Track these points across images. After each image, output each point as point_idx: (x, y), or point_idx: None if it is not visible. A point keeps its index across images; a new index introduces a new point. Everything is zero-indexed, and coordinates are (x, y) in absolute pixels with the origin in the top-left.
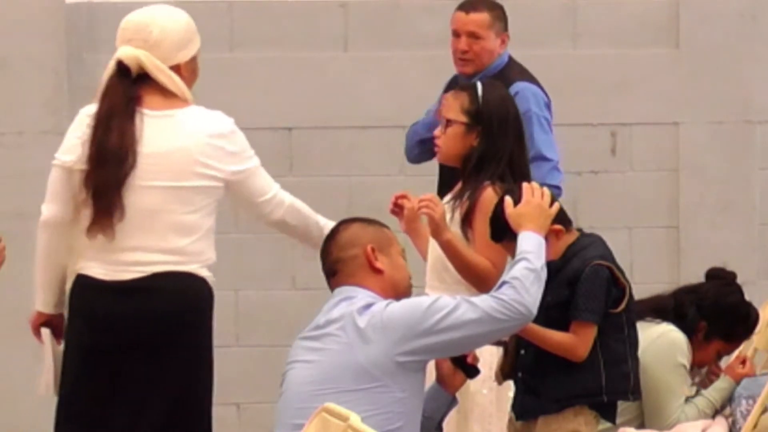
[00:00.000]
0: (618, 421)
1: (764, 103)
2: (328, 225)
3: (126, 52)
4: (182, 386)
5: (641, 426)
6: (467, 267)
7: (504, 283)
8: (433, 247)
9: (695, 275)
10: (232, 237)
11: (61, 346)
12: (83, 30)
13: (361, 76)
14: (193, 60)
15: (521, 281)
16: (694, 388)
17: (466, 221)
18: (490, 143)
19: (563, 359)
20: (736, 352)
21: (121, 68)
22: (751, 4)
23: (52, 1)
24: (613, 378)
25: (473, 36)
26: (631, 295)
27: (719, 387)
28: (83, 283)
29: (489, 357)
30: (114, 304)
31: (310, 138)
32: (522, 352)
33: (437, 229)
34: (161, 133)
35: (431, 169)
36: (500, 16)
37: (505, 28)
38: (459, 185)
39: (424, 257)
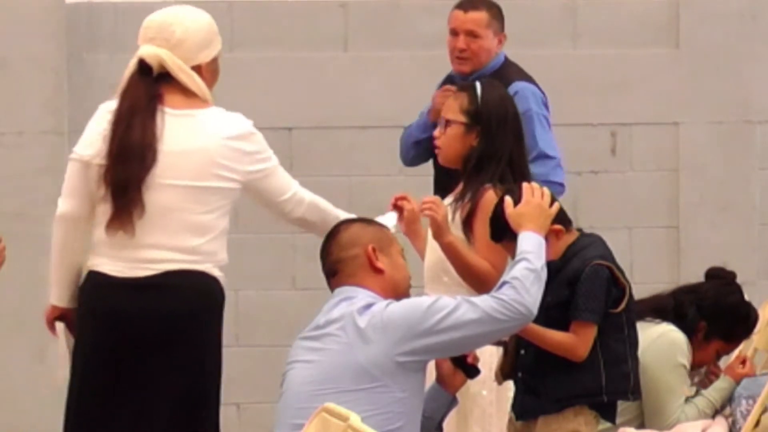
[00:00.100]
0: (618, 421)
1: (764, 103)
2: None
3: (148, 51)
4: (192, 384)
5: (641, 426)
6: (468, 269)
7: (504, 283)
8: (432, 250)
9: (695, 275)
10: (232, 237)
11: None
12: (83, 30)
13: (361, 76)
14: (214, 61)
15: (521, 281)
16: (694, 388)
17: (467, 223)
18: (489, 143)
19: (563, 359)
20: (735, 352)
21: (143, 67)
22: (751, 4)
23: (52, 1)
24: (613, 378)
25: (471, 35)
26: (631, 295)
27: (719, 387)
28: (95, 280)
29: (489, 358)
30: (127, 301)
31: (310, 138)
32: (522, 352)
33: (439, 231)
34: (182, 132)
35: (430, 169)
36: (498, 15)
37: (502, 28)
38: (460, 186)
39: (423, 258)
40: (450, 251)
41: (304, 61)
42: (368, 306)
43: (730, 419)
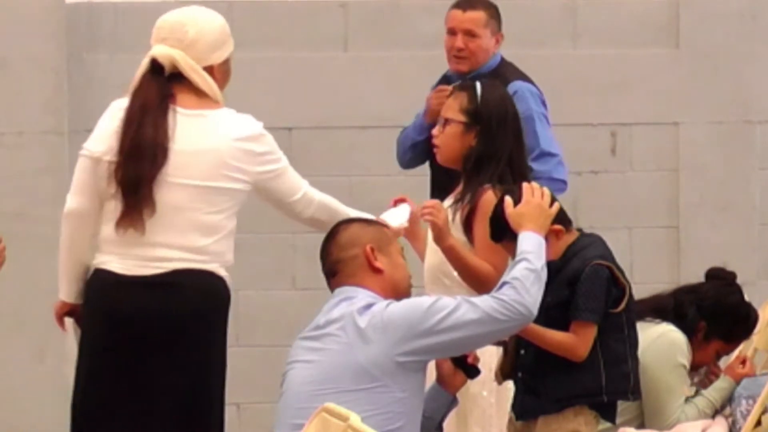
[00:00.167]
0: (618, 421)
1: (764, 103)
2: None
3: (160, 51)
4: (197, 383)
5: (641, 426)
6: (469, 271)
7: (504, 283)
8: (432, 252)
9: (695, 275)
10: None
11: None
12: (83, 30)
13: (361, 76)
14: (226, 62)
15: (521, 282)
16: (694, 388)
17: (467, 224)
18: (488, 143)
19: (563, 359)
20: (735, 352)
21: (155, 66)
22: (751, 4)
23: (52, 1)
24: (613, 378)
25: (470, 34)
26: (631, 295)
27: (719, 387)
28: (102, 277)
29: (489, 358)
30: (133, 299)
31: (310, 138)
32: (522, 352)
33: (440, 236)
34: (193, 131)
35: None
36: (495, 15)
37: (500, 28)
38: (460, 187)
39: (423, 259)
40: (451, 255)
41: (304, 61)
42: (368, 306)
43: (730, 419)
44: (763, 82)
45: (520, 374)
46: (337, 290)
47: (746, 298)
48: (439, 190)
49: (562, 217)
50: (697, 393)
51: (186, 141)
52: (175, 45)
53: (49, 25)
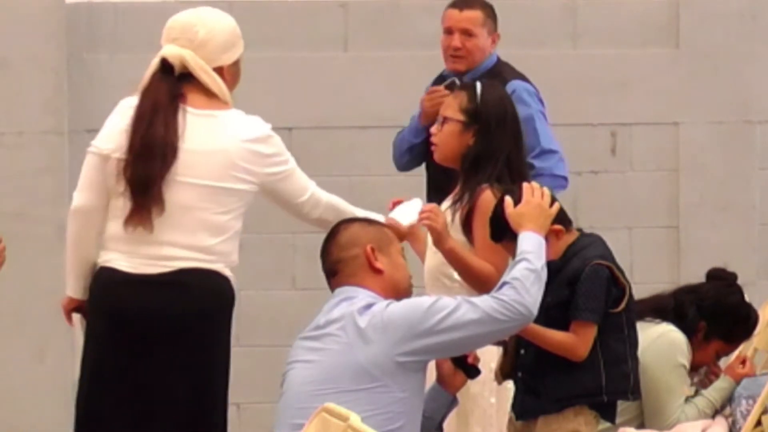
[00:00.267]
0: (618, 421)
1: (764, 103)
2: (368, 216)
3: (171, 51)
4: (200, 382)
5: (641, 426)
6: (471, 273)
7: (504, 283)
8: (432, 254)
9: (695, 275)
10: None
11: None
12: (83, 30)
13: (361, 76)
14: (236, 63)
15: (521, 282)
16: (694, 388)
17: (466, 224)
18: (486, 142)
19: (563, 359)
20: (735, 353)
21: (165, 66)
22: (751, 4)
23: (52, 1)
24: (613, 378)
25: (467, 33)
26: (631, 295)
27: (719, 387)
28: (107, 276)
29: (490, 358)
30: (139, 297)
31: (310, 138)
32: (522, 351)
33: (439, 239)
34: (202, 131)
35: None
36: (492, 14)
37: (496, 28)
38: (458, 188)
39: (423, 260)
40: (452, 257)
41: (304, 61)
42: (368, 306)
43: (730, 419)
44: (763, 82)
45: (520, 374)
46: (338, 290)
47: (746, 298)
48: (435, 192)
49: (562, 217)
50: (697, 393)
51: (195, 141)
52: (186, 45)
53: (49, 25)
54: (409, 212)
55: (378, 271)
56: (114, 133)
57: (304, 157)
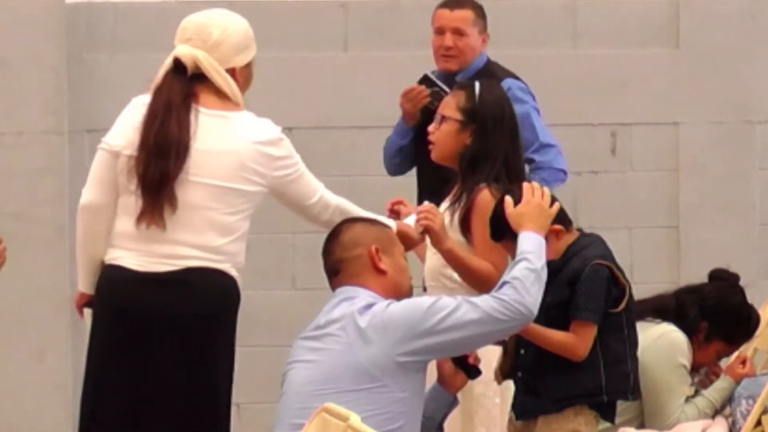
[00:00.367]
0: (618, 421)
1: (764, 103)
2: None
3: (184, 51)
4: (205, 381)
5: (641, 426)
6: (470, 273)
7: (505, 283)
8: (432, 254)
9: (695, 275)
10: None
11: None
12: (83, 30)
13: (361, 76)
14: (249, 66)
15: (522, 281)
16: (694, 388)
17: (465, 224)
18: (484, 142)
19: (563, 359)
20: (736, 353)
21: (178, 66)
22: (751, 4)
23: (52, 1)
24: (613, 378)
25: (458, 33)
26: (630, 295)
27: (719, 387)
28: (114, 273)
29: (492, 357)
30: (145, 295)
31: (310, 138)
32: (522, 351)
33: (437, 239)
34: (214, 132)
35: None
36: (482, 14)
37: (486, 27)
38: (456, 188)
39: (423, 260)
40: (450, 258)
41: (304, 61)
42: (369, 306)
43: (730, 419)
44: (763, 82)
45: (520, 374)
46: (339, 290)
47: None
48: (428, 194)
49: (562, 217)
50: (697, 393)
51: (207, 140)
52: (199, 46)
53: (49, 25)
54: (412, 219)
55: (381, 272)
56: (125, 130)
57: (304, 157)
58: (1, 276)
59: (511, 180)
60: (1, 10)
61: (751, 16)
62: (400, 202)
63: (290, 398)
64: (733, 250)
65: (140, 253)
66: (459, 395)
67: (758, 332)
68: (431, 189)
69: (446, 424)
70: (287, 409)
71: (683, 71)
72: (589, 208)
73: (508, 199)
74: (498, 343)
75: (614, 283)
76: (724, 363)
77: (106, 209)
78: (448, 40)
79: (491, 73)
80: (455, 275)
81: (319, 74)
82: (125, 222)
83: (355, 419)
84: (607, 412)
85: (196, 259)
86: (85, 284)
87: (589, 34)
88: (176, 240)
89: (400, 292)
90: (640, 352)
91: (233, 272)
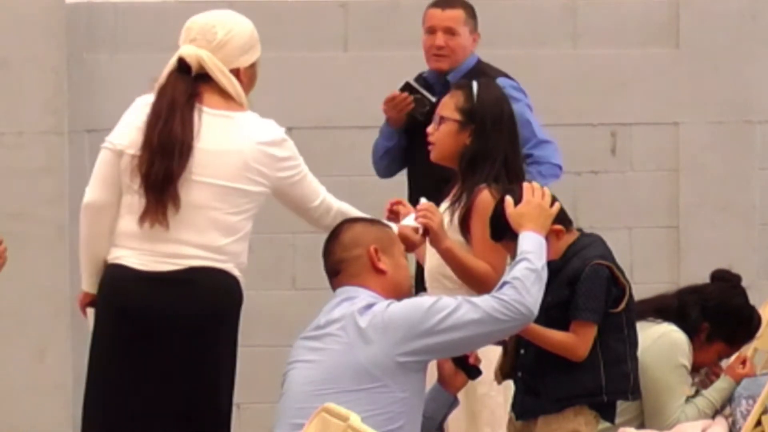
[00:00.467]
0: (618, 421)
1: (764, 103)
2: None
3: (188, 51)
4: (207, 380)
5: (641, 426)
6: (468, 272)
7: (505, 283)
8: (432, 254)
9: (695, 275)
10: None
11: None
12: (83, 30)
13: (361, 76)
14: (253, 66)
15: (522, 281)
16: (694, 389)
17: (464, 225)
18: (483, 142)
19: (563, 359)
20: (736, 353)
21: (182, 65)
22: (751, 4)
23: (52, 1)
24: (613, 378)
25: (450, 32)
26: (630, 295)
27: (719, 387)
28: (116, 272)
29: (494, 356)
30: (147, 294)
31: (310, 138)
32: (522, 351)
33: (436, 238)
34: (218, 131)
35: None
36: (472, 14)
37: (476, 27)
38: (456, 189)
39: (422, 261)
40: (448, 257)
41: (304, 61)
42: (369, 306)
43: (730, 419)
44: (763, 82)
45: (520, 374)
46: (339, 290)
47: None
48: (419, 196)
49: (562, 217)
50: (697, 393)
51: (210, 140)
52: (204, 46)
53: (49, 25)
54: (412, 217)
55: (381, 272)
56: (129, 129)
57: (304, 157)
58: (1, 276)
59: (511, 180)
60: (1, 10)
61: (751, 16)
62: (399, 203)
63: (290, 398)
64: (733, 250)
65: (143, 253)
66: (462, 396)
67: (759, 333)
68: (422, 190)
69: (450, 426)
70: (287, 409)
71: (683, 71)
72: (589, 208)
73: (509, 199)
74: (498, 343)
75: (614, 283)
76: (724, 363)
77: (109, 208)
78: (440, 39)
79: (483, 72)
80: (455, 276)
81: (319, 74)
82: (128, 221)
83: (355, 419)
84: (607, 412)
85: (198, 259)
86: (88, 284)
87: (589, 34)
88: (179, 239)
89: (400, 291)
90: (640, 352)
91: (236, 272)
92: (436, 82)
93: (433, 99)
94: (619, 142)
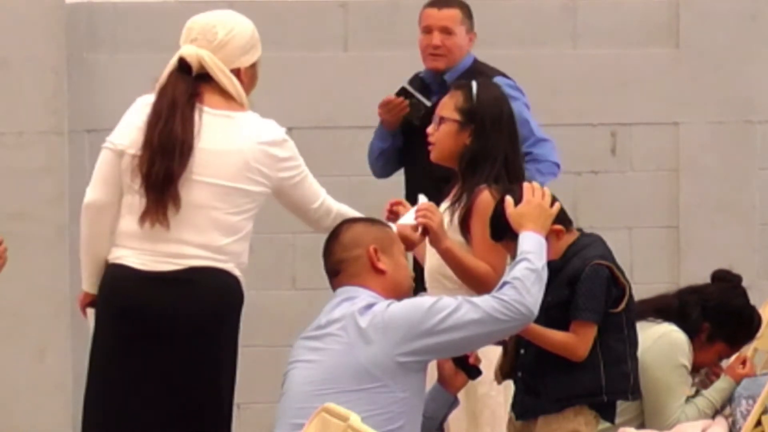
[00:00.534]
0: (618, 421)
1: (764, 103)
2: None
3: (189, 51)
4: (207, 380)
5: (641, 426)
6: (467, 273)
7: (505, 283)
8: (432, 254)
9: (695, 275)
10: None
11: None
12: (83, 30)
13: (361, 76)
14: (254, 66)
15: (522, 281)
16: (694, 389)
17: (464, 225)
18: (483, 142)
19: (563, 359)
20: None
21: (183, 65)
22: (751, 4)
23: (52, 1)
24: (613, 378)
25: (446, 31)
26: (630, 295)
27: (719, 387)
28: (117, 272)
29: (494, 356)
30: (149, 294)
31: (310, 138)
32: (522, 351)
33: (435, 238)
34: (219, 131)
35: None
36: (468, 13)
37: (472, 27)
38: (456, 189)
39: (422, 261)
40: (448, 257)
41: (304, 61)
42: (369, 306)
43: (730, 419)
44: (764, 82)
45: (520, 374)
46: (339, 290)
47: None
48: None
49: (562, 217)
50: (697, 393)
51: (211, 140)
52: (205, 46)
53: (49, 25)
54: (412, 215)
55: (380, 272)
56: (130, 129)
57: (304, 157)
58: (2, 276)
59: (511, 180)
60: (1, 10)
61: (751, 16)
62: (399, 203)
63: (290, 398)
64: (733, 251)
65: (144, 253)
66: (462, 396)
67: (759, 333)
68: (419, 190)
69: (450, 426)
70: (287, 409)
71: (683, 71)
72: (589, 208)
73: (509, 199)
74: (498, 343)
75: (614, 283)
76: (724, 363)
77: (110, 208)
78: (436, 39)
79: (479, 72)
80: (455, 276)
81: (319, 74)
82: (129, 221)
83: (355, 419)
84: (607, 412)
85: (199, 259)
86: (88, 284)
87: (589, 34)
88: (180, 239)
89: (400, 291)
90: (640, 352)
91: (237, 272)
92: (432, 82)
93: (429, 103)
94: (619, 142)
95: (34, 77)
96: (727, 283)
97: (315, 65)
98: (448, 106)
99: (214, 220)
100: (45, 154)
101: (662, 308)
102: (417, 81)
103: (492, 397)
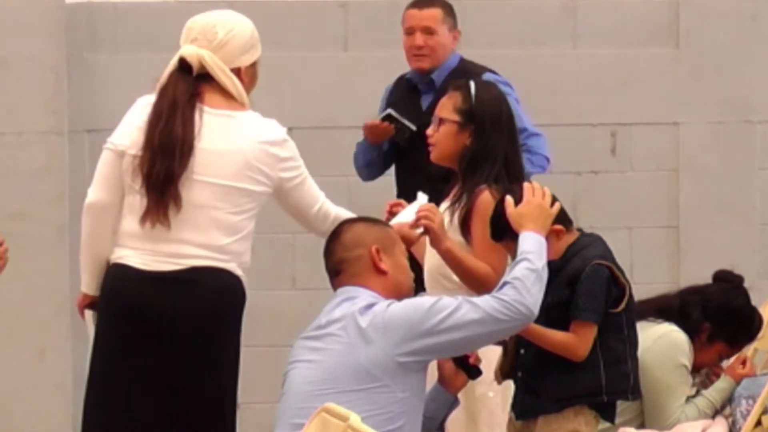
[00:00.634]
0: (618, 421)
1: (764, 103)
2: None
3: (189, 50)
4: (209, 380)
5: (641, 426)
6: (467, 273)
7: (505, 283)
8: (431, 254)
9: (695, 275)
10: None
11: None
12: (83, 30)
13: (361, 76)
14: (254, 66)
15: (522, 282)
16: (695, 389)
17: (465, 225)
18: (483, 142)
19: (563, 359)
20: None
21: (183, 65)
22: (751, 4)
23: (52, 1)
24: (613, 378)
25: (428, 31)
26: (630, 295)
27: (719, 387)
28: (119, 272)
29: (494, 356)
30: (150, 294)
31: (310, 138)
32: (522, 351)
33: (436, 239)
34: (219, 131)
35: None
36: (451, 12)
37: (455, 25)
38: (456, 189)
39: (421, 261)
40: (448, 257)
41: (304, 61)
42: (370, 306)
43: (730, 419)
44: (764, 82)
45: (520, 374)
46: (340, 290)
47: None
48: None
49: (562, 217)
50: (697, 393)
51: (212, 140)
52: (205, 45)
53: (49, 25)
54: (409, 212)
55: (382, 272)
56: (130, 129)
57: (304, 157)
58: (2, 276)
59: (511, 180)
60: (1, 10)
61: (751, 16)
62: (398, 204)
63: (291, 398)
64: (733, 251)
65: (145, 252)
66: (461, 396)
67: (760, 333)
68: (412, 188)
69: (449, 426)
70: (287, 409)
71: (683, 71)
72: (589, 208)
73: (509, 199)
74: (498, 343)
75: (614, 283)
76: (724, 363)
77: (111, 208)
78: (419, 39)
79: (467, 70)
80: (454, 276)
81: (319, 74)
82: (130, 221)
83: (355, 419)
84: (607, 412)
85: (201, 259)
86: (87, 285)
87: (589, 34)
88: (181, 239)
89: (400, 291)
90: (640, 352)
91: (238, 272)
92: (419, 82)
93: (414, 128)
94: (619, 142)
95: (34, 77)
96: (728, 283)
97: (315, 65)
98: (447, 107)
99: (215, 219)
100: (45, 154)
101: (663, 308)
102: (404, 82)
103: (490, 398)
